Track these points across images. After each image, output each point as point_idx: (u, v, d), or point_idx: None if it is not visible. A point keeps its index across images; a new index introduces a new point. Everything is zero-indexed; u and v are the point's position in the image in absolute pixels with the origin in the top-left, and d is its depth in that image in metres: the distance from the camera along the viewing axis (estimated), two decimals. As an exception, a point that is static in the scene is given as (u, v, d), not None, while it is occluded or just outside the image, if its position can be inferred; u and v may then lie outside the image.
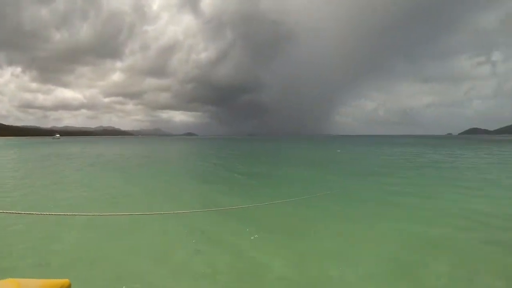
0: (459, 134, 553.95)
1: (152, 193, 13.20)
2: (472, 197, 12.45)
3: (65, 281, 1.51)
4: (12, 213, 2.86)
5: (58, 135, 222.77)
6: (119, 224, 8.23)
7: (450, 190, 13.87)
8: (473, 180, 17.15)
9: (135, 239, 7.25)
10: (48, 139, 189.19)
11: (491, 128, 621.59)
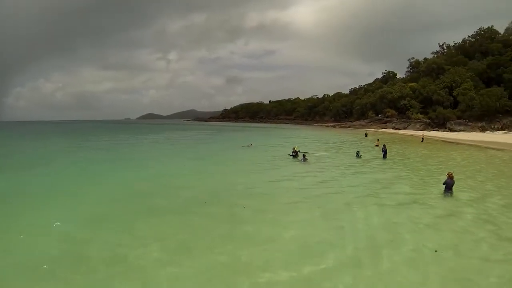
0: (137, 118, 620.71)
1: None
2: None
3: None
4: None
5: None
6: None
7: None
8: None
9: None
10: None
11: (165, 114, 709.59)
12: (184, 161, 23.15)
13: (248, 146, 30.51)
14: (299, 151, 22.78)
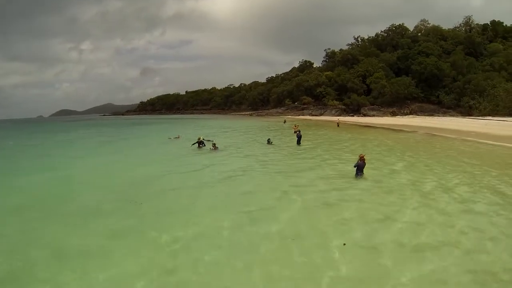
0: (50, 115, 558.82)
1: None
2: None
3: None
4: None
5: None
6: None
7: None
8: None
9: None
10: None
11: (80, 109, 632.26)
12: (93, 161, 20.09)
13: (175, 138, 28.47)
14: (203, 139, 22.33)
